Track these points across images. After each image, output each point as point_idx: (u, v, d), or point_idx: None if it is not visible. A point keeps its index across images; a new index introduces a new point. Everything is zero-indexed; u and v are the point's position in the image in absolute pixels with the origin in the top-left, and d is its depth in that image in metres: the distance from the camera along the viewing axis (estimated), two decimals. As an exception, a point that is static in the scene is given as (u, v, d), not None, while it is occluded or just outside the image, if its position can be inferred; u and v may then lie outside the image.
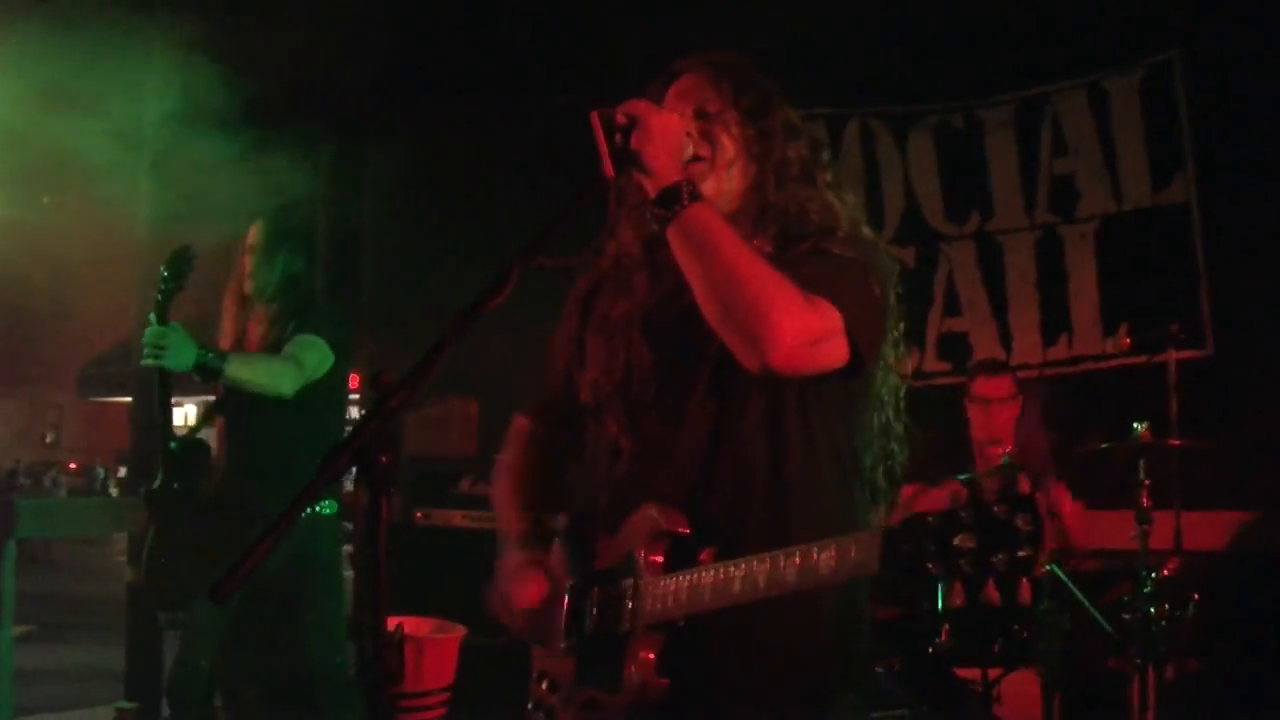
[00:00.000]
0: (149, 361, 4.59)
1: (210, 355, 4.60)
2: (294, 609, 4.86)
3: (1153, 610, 5.25)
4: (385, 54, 9.11)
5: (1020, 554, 1.96)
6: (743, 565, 2.31)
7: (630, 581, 2.50)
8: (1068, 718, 5.35)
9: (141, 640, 7.67)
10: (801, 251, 2.51)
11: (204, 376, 4.65)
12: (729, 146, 2.63)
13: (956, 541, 1.99)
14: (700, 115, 2.62)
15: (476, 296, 2.18)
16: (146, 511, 4.84)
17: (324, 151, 9.74)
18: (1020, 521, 1.96)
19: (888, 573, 2.12)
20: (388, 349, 9.06)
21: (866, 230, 2.73)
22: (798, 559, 2.24)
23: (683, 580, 2.40)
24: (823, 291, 2.39)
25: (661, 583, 2.44)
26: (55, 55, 7.98)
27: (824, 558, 2.20)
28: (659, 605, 2.43)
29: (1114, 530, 6.08)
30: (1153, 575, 5.33)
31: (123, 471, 30.28)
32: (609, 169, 2.40)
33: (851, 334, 2.42)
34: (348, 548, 8.35)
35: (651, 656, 2.44)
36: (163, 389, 4.74)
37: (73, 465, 34.54)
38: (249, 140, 6.85)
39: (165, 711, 7.22)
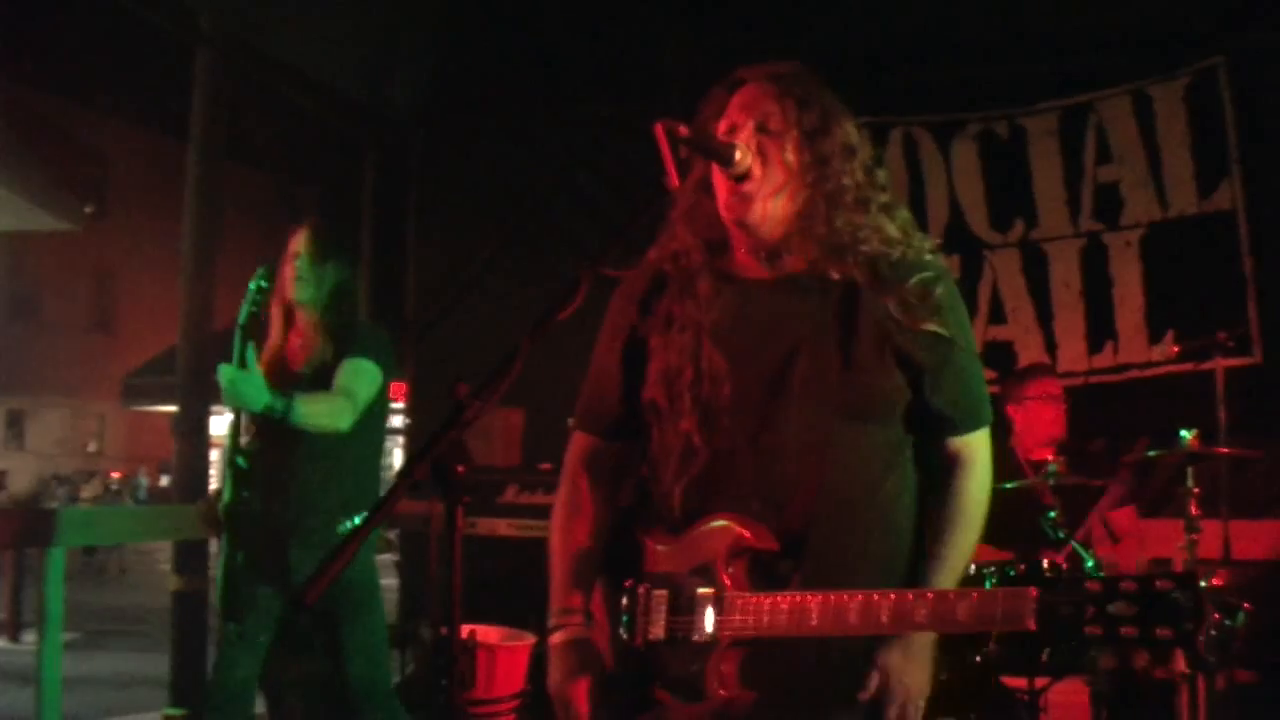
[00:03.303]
0: (227, 402, 4.66)
1: (279, 403, 4.59)
2: (334, 623, 4.84)
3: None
4: (430, 67, 9.18)
5: (1185, 627, 2.04)
6: (859, 595, 2.34)
7: (710, 592, 2.49)
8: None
9: (187, 648, 7.69)
10: (923, 333, 2.58)
11: (267, 415, 4.67)
12: (781, 172, 2.60)
13: (1113, 609, 2.07)
14: (761, 130, 2.60)
15: (547, 308, 2.20)
16: (223, 524, 4.85)
17: (370, 165, 9.82)
18: (1184, 597, 2.04)
19: (1043, 632, 2.19)
20: (432, 360, 9.12)
21: (926, 243, 2.73)
22: (932, 600, 2.29)
23: (781, 600, 2.41)
24: (978, 418, 2.71)
25: (753, 599, 2.44)
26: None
27: (962, 605, 2.25)
28: (750, 620, 2.43)
29: (1161, 538, 6.06)
30: (1203, 585, 5.29)
31: (164, 480, 30.55)
32: (674, 179, 2.43)
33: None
34: (388, 556, 8.41)
35: (735, 670, 2.46)
36: (236, 409, 4.78)
37: (115, 474, 34.76)
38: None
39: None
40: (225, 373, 4.59)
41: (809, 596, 2.39)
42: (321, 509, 4.83)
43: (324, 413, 4.71)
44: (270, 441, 4.91)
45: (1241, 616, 5.28)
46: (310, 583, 1.88)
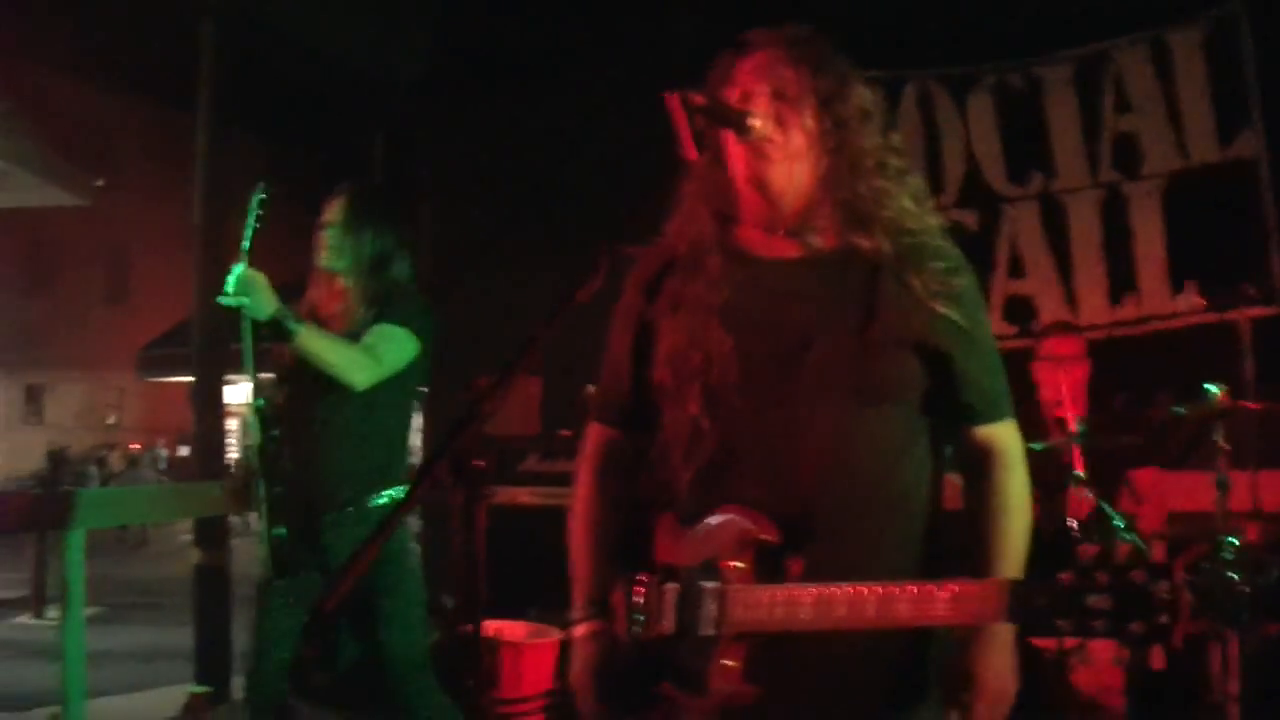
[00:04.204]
0: (229, 300, 4.41)
1: (289, 314, 4.43)
2: (370, 602, 4.71)
3: (1235, 577, 5.17)
4: (435, 34, 9.11)
5: (1159, 621, 1.98)
6: (849, 589, 2.28)
7: (715, 586, 2.43)
8: (1146, 686, 5.29)
9: (209, 623, 7.71)
10: (942, 318, 2.53)
11: (276, 335, 4.47)
12: (800, 138, 2.53)
13: (1090, 602, 2.01)
14: (777, 96, 2.53)
15: (564, 290, 2.15)
16: (256, 466, 4.70)
17: (378, 135, 9.75)
18: (1159, 589, 1.98)
19: (1014, 623, 2.22)
20: (447, 329, 9.08)
21: (937, 218, 2.67)
22: (915, 592, 2.23)
23: (778, 593, 2.35)
24: (1001, 411, 2.66)
25: (753, 592, 2.38)
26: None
27: (942, 597, 2.20)
28: (750, 615, 2.37)
29: (1188, 491, 5.99)
30: (1233, 542, 5.25)
31: (183, 450, 30.64)
32: (691, 151, 2.36)
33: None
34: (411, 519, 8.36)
35: (737, 664, 2.40)
36: (254, 341, 4.60)
37: (134, 446, 34.88)
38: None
39: (236, 693, 7.25)
40: (238, 272, 4.40)
41: (803, 590, 2.33)
42: (352, 482, 4.69)
43: (337, 353, 4.52)
44: (299, 409, 4.78)
45: (1275, 572, 5.24)
46: (326, 596, 1.83)
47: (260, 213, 4.58)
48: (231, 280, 4.41)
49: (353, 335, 4.68)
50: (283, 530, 4.67)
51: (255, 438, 4.68)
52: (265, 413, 4.71)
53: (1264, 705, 5.30)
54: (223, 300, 4.46)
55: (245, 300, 4.40)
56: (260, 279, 4.41)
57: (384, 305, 4.73)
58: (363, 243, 4.77)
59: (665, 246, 2.73)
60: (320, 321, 4.74)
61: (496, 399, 1.99)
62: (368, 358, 4.58)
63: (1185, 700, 5.53)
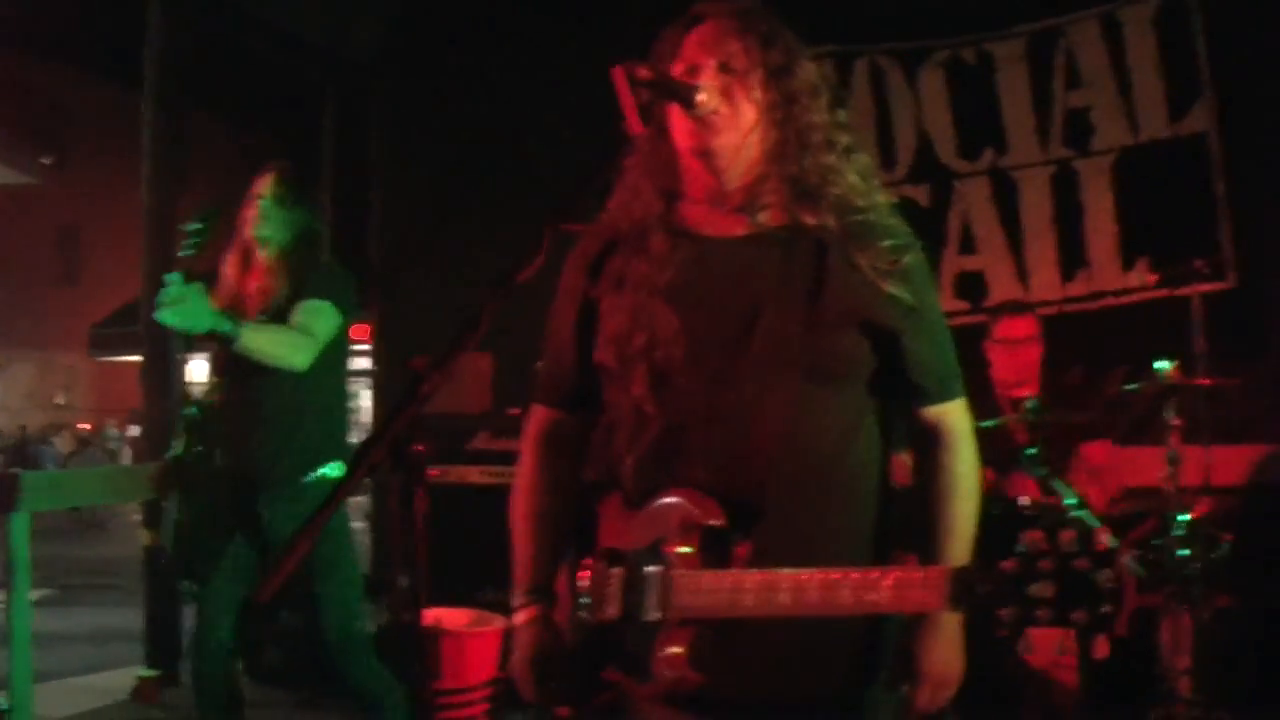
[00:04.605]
0: (164, 317, 4.44)
1: (227, 322, 4.47)
2: (309, 577, 4.77)
3: (1186, 553, 5.20)
4: (390, 8, 9.05)
5: (1103, 611, 1.95)
6: (791, 575, 2.23)
7: (660, 571, 2.39)
8: (1098, 661, 5.30)
9: (160, 603, 7.65)
10: (890, 297, 2.47)
11: (218, 342, 4.57)
12: (749, 111, 2.49)
13: (1033, 590, 1.98)
14: (724, 69, 2.48)
15: (506, 269, 2.11)
16: (173, 478, 4.76)
17: (329, 110, 9.69)
18: (1103, 578, 1.95)
19: (957, 611, 2.17)
20: (399, 306, 9.04)
21: (884, 196, 2.64)
22: (857, 579, 2.19)
23: (722, 579, 2.31)
24: (951, 390, 2.60)
25: (698, 578, 2.34)
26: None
27: (885, 584, 2.16)
28: (694, 600, 2.33)
29: (1141, 466, 6.02)
30: (1184, 518, 5.27)
31: (134, 430, 30.39)
32: (636, 125, 2.31)
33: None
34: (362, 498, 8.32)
35: (683, 650, 2.36)
36: (185, 351, 4.67)
37: (85, 426, 34.56)
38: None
39: (186, 677, 7.20)
40: (172, 289, 4.42)
41: (747, 576, 2.29)
42: (288, 459, 4.76)
43: (281, 343, 4.60)
44: (234, 392, 4.82)
45: (1225, 548, 5.27)
46: (263, 584, 1.80)
47: (200, 234, 4.62)
48: (167, 299, 4.44)
49: (271, 313, 4.75)
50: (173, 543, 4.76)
51: (178, 449, 4.74)
52: (198, 419, 4.76)
53: (1215, 679, 5.34)
54: (160, 318, 4.48)
55: (177, 319, 4.45)
56: (196, 294, 4.45)
57: (305, 281, 4.81)
58: (290, 218, 4.85)
59: (608, 224, 2.68)
60: (240, 306, 4.77)
61: (436, 380, 1.94)
62: (305, 338, 4.67)
63: (1137, 674, 5.55)
